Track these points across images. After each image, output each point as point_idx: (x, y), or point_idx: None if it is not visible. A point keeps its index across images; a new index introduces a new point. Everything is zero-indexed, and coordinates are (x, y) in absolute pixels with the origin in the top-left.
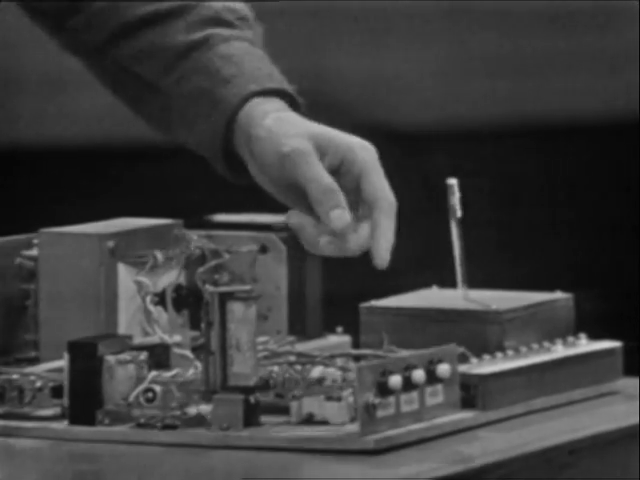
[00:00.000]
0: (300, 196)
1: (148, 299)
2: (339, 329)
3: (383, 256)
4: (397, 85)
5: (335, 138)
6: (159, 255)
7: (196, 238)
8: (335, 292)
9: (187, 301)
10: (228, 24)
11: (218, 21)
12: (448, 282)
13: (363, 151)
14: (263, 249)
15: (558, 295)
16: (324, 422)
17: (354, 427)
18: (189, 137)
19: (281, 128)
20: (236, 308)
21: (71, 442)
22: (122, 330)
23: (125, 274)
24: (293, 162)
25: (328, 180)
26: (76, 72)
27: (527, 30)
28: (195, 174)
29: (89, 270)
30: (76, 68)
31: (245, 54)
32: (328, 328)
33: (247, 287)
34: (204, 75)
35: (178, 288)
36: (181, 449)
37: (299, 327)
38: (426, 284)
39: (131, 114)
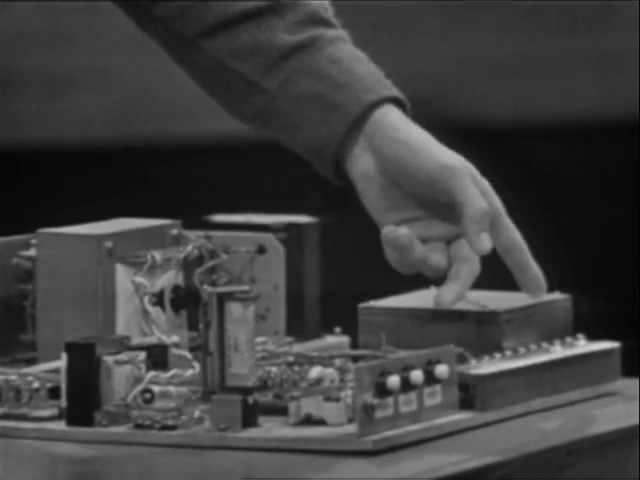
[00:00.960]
0: (411, 207)
1: (146, 299)
2: (337, 329)
3: (543, 285)
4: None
5: (478, 175)
6: (157, 255)
7: (194, 238)
8: (333, 292)
9: (185, 301)
10: (328, 23)
11: (319, 20)
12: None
13: (498, 199)
14: (261, 249)
15: (556, 296)
16: (322, 423)
17: (352, 428)
18: (293, 139)
19: (434, 142)
20: (234, 308)
21: (69, 443)
22: (120, 330)
23: (123, 274)
24: (456, 175)
25: (486, 203)
26: (76, 72)
27: (526, 30)
28: (193, 174)
29: (87, 270)
30: (76, 68)
31: (352, 58)
32: (326, 328)
33: (245, 287)
34: (315, 79)
35: (176, 288)
36: (179, 450)
37: (297, 327)
38: (424, 285)
39: (129, 115)
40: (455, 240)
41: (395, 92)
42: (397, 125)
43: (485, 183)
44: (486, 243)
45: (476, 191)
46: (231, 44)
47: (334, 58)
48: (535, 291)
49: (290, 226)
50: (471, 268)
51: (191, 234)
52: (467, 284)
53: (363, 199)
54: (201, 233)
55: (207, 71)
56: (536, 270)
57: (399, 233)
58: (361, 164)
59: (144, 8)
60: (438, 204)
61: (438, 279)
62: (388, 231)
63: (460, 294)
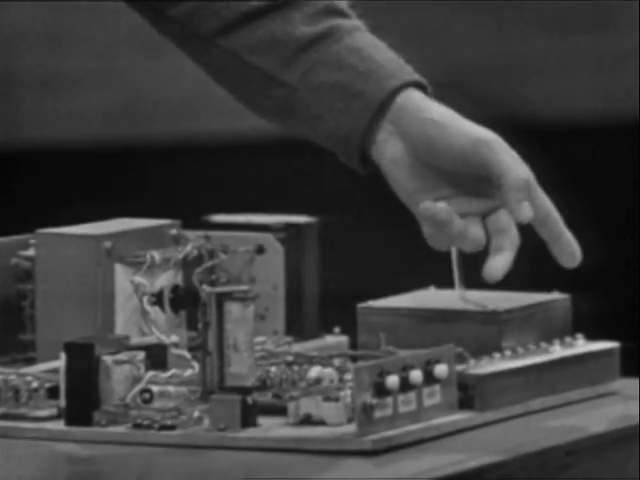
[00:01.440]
0: (442, 187)
1: (145, 299)
2: (336, 329)
3: (576, 252)
4: None
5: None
6: (156, 255)
7: (193, 238)
8: (332, 292)
9: (184, 301)
10: (344, 14)
11: (336, 11)
12: (445, 282)
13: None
14: (260, 249)
15: (555, 296)
16: (321, 423)
17: (351, 428)
18: (316, 129)
19: (460, 118)
20: (233, 308)
21: (68, 443)
22: (119, 330)
23: (122, 274)
24: (490, 147)
25: (525, 171)
26: (76, 72)
27: (527, 30)
28: (193, 174)
29: (86, 270)
30: (76, 68)
31: (371, 46)
32: (325, 328)
33: (244, 287)
34: (335, 69)
35: (175, 288)
36: (178, 450)
37: (296, 327)
38: (423, 284)
39: (129, 115)
40: (490, 215)
41: (417, 76)
42: (422, 106)
43: (515, 154)
44: (528, 211)
45: (514, 160)
46: (248, 39)
47: (353, 47)
48: (568, 259)
49: (289, 226)
50: (511, 238)
51: (190, 234)
52: (512, 253)
53: (392, 183)
54: (200, 233)
55: (225, 68)
56: (569, 238)
57: (438, 208)
58: (388, 149)
59: (159, 10)
60: (470, 180)
61: (440, 279)
62: (426, 206)
63: (508, 263)
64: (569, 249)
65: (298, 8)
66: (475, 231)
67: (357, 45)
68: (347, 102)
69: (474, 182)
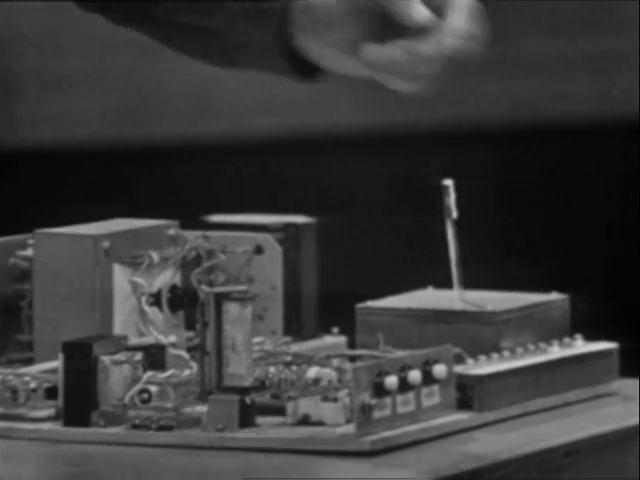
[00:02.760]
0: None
1: (143, 299)
2: (335, 329)
3: None
4: None
5: None
6: (155, 255)
7: (192, 238)
8: (331, 292)
9: (183, 301)
10: None
11: None
12: (444, 283)
13: None
14: (259, 249)
15: (554, 296)
16: (320, 423)
17: (350, 428)
18: (250, 58)
19: None
20: (232, 308)
21: (66, 444)
22: (117, 330)
23: (120, 274)
24: None
25: None
26: (75, 73)
27: (526, 30)
28: (192, 174)
29: (84, 270)
30: (76, 68)
31: None
32: (324, 328)
33: (243, 287)
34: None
35: (174, 288)
36: (176, 450)
37: (295, 327)
38: (422, 285)
39: (128, 115)
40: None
41: None
42: None
43: None
44: (423, 15)
45: None
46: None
47: None
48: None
49: (288, 226)
50: None
51: (189, 234)
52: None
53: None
54: (199, 233)
55: (170, 35)
56: None
57: (378, 53)
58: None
59: None
60: None
61: (438, 279)
62: (365, 53)
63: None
64: None
65: None
66: (419, 9)
67: None
68: (257, 21)
69: None
